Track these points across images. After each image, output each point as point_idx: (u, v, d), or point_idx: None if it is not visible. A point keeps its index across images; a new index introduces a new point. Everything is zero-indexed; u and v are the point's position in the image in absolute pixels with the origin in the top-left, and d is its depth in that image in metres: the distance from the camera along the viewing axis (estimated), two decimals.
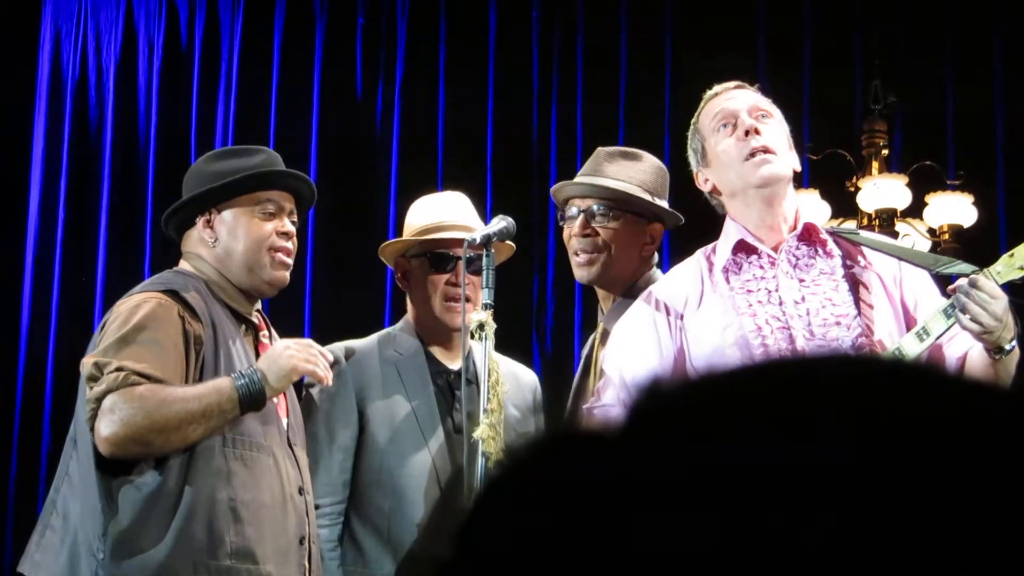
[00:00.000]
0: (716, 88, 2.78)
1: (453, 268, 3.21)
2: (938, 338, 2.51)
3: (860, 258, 2.68)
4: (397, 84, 6.19)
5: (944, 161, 5.87)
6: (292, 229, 3.01)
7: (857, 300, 2.62)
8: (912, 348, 2.51)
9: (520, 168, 6.05)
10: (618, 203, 3.15)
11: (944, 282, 2.65)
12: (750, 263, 2.68)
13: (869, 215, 5.68)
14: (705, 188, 2.76)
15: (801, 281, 2.64)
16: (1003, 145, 5.95)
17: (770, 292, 2.64)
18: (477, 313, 2.98)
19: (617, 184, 3.15)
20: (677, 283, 2.75)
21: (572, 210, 3.18)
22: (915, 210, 5.71)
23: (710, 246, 2.78)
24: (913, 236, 5.50)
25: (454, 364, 3.28)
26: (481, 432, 2.89)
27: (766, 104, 2.73)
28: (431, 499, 3.12)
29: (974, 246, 5.36)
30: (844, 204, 5.76)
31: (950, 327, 2.48)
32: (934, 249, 5.43)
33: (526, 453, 0.58)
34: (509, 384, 3.17)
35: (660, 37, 6.18)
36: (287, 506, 2.86)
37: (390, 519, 3.13)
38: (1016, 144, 5.90)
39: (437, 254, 3.25)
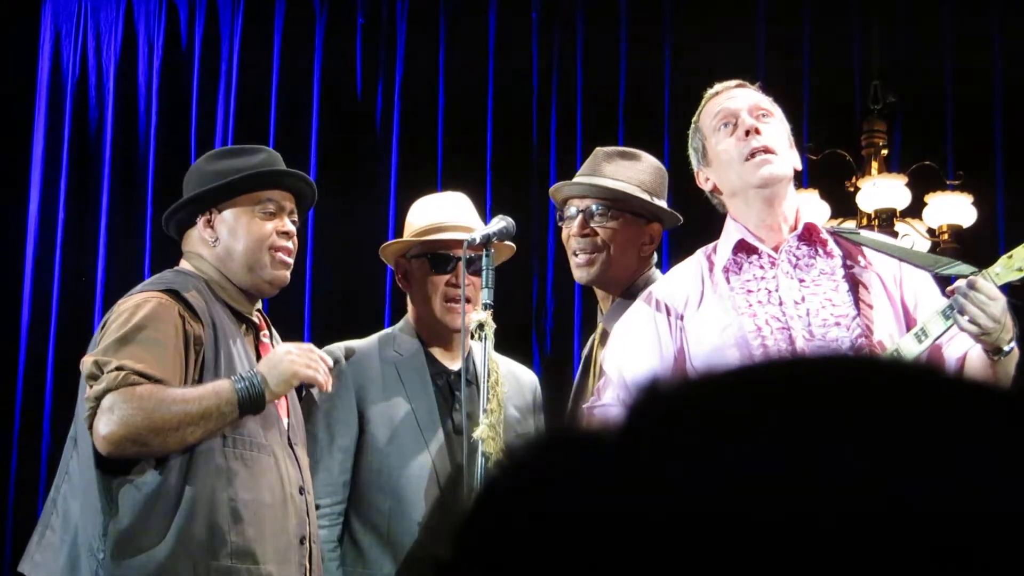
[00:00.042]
0: (717, 87, 2.78)
1: (453, 269, 3.21)
2: (936, 339, 2.51)
3: (860, 258, 2.68)
4: (397, 84, 6.18)
5: (943, 161, 5.87)
6: (292, 228, 3.00)
7: (857, 300, 2.62)
8: (911, 349, 2.51)
9: (520, 168, 6.05)
10: (617, 203, 3.15)
11: (944, 283, 2.65)
12: (750, 263, 2.68)
13: (868, 215, 5.67)
14: (706, 187, 2.76)
15: (801, 281, 2.64)
16: (1002, 145, 5.95)
17: (770, 292, 2.64)
18: (477, 313, 2.98)
19: (616, 184, 3.14)
20: (677, 283, 2.75)
21: (571, 210, 3.18)
22: (914, 210, 5.71)
23: (711, 245, 2.78)
24: (912, 236, 5.50)
25: (454, 365, 3.28)
26: (481, 432, 2.89)
27: (767, 103, 2.73)
28: (431, 500, 3.12)
29: (973, 246, 5.36)
30: (843, 204, 5.76)
31: (948, 328, 2.48)
32: (933, 249, 5.43)
33: (525, 453, 0.58)
34: (509, 384, 3.17)
35: (660, 37, 6.18)
36: (288, 506, 2.86)
37: (390, 519, 3.13)
38: (1015, 144, 5.90)
39: (437, 255, 3.25)
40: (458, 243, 3.13)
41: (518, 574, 0.53)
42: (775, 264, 2.66)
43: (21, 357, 5.94)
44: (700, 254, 2.79)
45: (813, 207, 5.36)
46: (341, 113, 6.17)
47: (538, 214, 5.82)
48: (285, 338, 3.17)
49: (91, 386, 2.70)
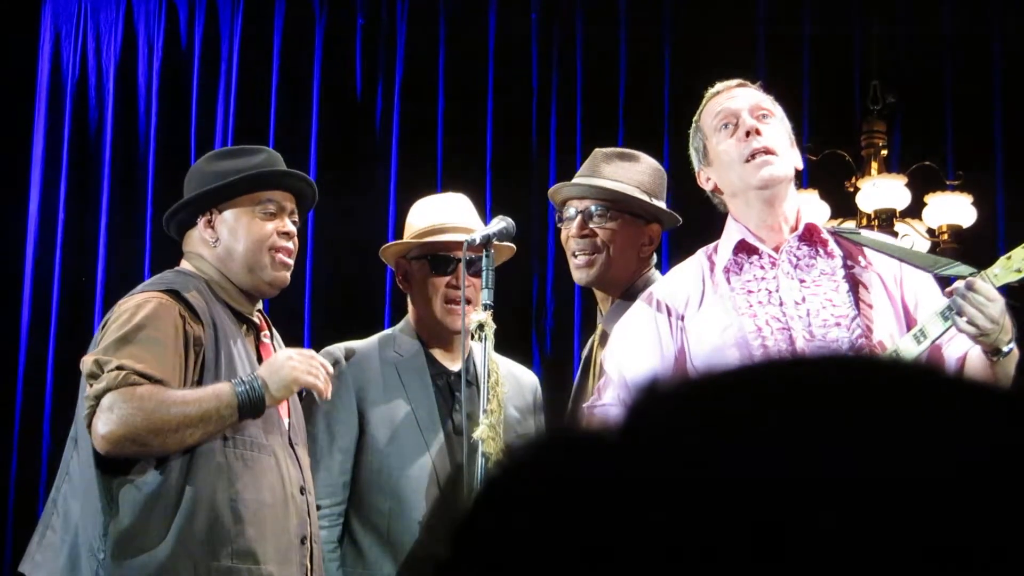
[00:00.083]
0: (718, 86, 2.78)
1: (454, 270, 3.21)
2: (935, 341, 2.51)
3: (861, 258, 2.68)
4: (397, 84, 6.18)
5: (943, 161, 5.87)
6: (293, 229, 3.01)
7: (857, 300, 2.62)
8: (910, 350, 2.51)
9: (520, 168, 6.05)
10: (615, 204, 3.15)
11: (944, 283, 2.65)
12: (751, 263, 2.68)
13: (868, 215, 5.67)
14: (707, 187, 2.75)
15: (802, 282, 2.64)
16: (1002, 145, 5.95)
17: (771, 292, 2.64)
18: (477, 314, 2.98)
19: (614, 185, 3.14)
20: (678, 283, 2.75)
21: (570, 211, 3.18)
22: (914, 210, 5.71)
23: (712, 245, 2.77)
24: (912, 236, 5.50)
25: (454, 365, 3.28)
26: (481, 432, 2.89)
27: (768, 103, 2.72)
28: (431, 500, 3.12)
29: (973, 246, 5.36)
30: (843, 204, 5.75)
31: (947, 330, 2.48)
32: (933, 249, 5.43)
33: (525, 453, 0.59)
34: (509, 385, 3.17)
35: (659, 37, 6.17)
36: (288, 506, 2.86)
37: (390, 520, 3.13)
38: (1015, 144, 5.90)
39: (437, 256, 3.24)
40: (458, 245, 3.12)
41: (518, 574, 0.53)
42: (776, 264, 2.66)
43: (21, 357, 5.94)
44: (701, 254, 2.79)
45: (813, 207, 5.35)
46: (341, 113, 6.17)
47: (538, 214, 5.82)
48: (285, 338, 3.17)
49: (91, 385, 2.70)
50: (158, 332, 2.75)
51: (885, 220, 5.61)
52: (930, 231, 5.71)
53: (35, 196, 6.07)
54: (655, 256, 3.26)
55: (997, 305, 2.41)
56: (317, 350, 3.22)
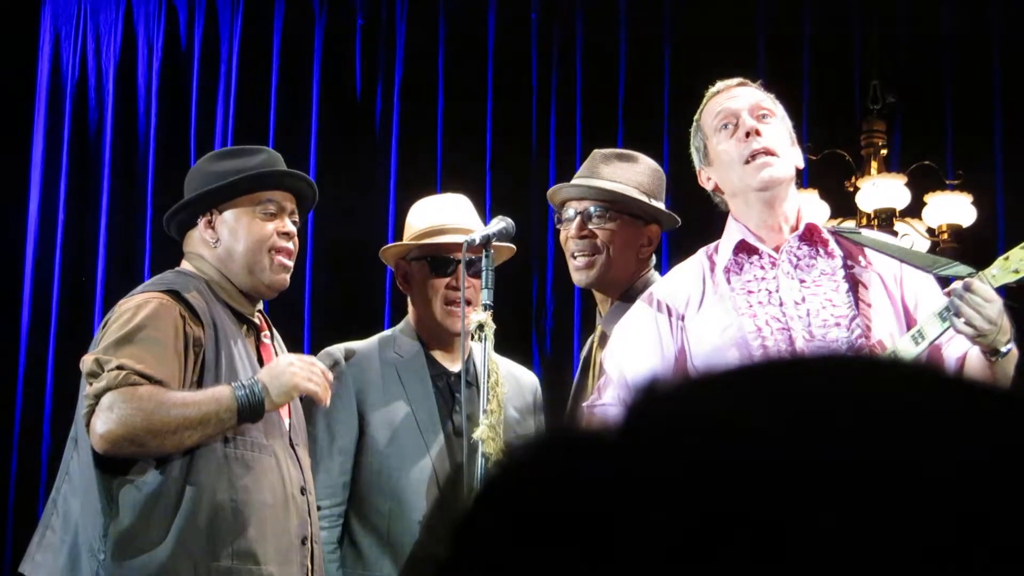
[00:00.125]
0: (718, 85, 2.77)
1: (453, 271, 3.21)
2: (933, 341, 2.51)
3: (861, 258, 2.68)
4: (397, 84, 6.18)
5: (943, 161, 5.87)
6: (293, 229, 3.01)
7: (857, 300, 2.62)
8: (908, 351, 2.51)
9: (520, 168, 6.05)
10: (614, 204, 3.15)
11: (944, 283, 2.65)
12: (751, 263, 2.68)
13: (868, 215, 5.67)
14: (708, 186, 2.75)
15: (802, 282, 2.64)
16: (1002, 145, 5.95)
17: (771, 293, 2.64)
18: (477, 314, 2.98)
19: (613, 185, 3.14)
20: (678, 283, 2.75)
21: (569, 212, 3.18)
22: (914, 210, 5.71)
23: (712, 245, 2.77)
24: (912, 236, 5.50)
25: (454, 366, 3.28)
26: (481, 433, 2.89)
27: (768, 102, 2.72)
28: (431, 501, 3.12)
29: (973, 246, 5.36)
30: (843, 204, 5.76)
31: (945, 330, 2.48)
32: (933, 249, 5.43)
33: (525, 453, 0.59)
34: (509, 385, 3.16)
35: (659, 37, 6.18)
36: (289, 506, 2.86)
37: (390, 521, 3.13)
38: (1015, 144, 5.90)
39: (437, 258, 3.24)
40: (458, 246, 3.12)
41: (518, 574, 0.54)
42: (776, 264, 2.66)
43: (21, 357, 5.94)
44: (701, 254, 2.79)
45: (812, 207, 5.36)
46: (341, 113, 6.17)
47: (538, 214, 5.82)
48: (285, 338, 3.17)
49: (91, 384, 2.70)
50: (158, 332, 2.75)
51: (885, 220, 5.61)
52: (930, 231, 5.71)
53: (35, 196, 6.07)
54: (654, 257, 3.26)
55: (995, 306, 2.41)
56: (317, 350, 3.23)
